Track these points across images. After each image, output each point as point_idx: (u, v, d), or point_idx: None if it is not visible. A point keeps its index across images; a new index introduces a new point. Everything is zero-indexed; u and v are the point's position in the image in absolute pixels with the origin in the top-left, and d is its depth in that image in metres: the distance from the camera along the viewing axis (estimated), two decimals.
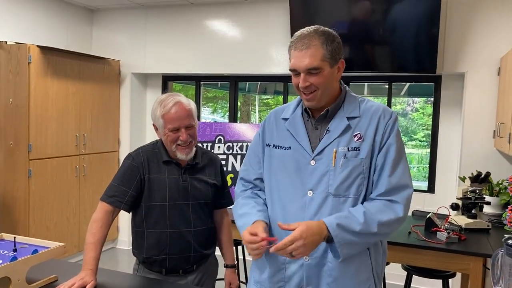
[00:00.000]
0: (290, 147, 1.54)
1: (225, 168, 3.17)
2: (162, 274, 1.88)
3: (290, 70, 1.49)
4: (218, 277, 2.11)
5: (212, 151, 3.26)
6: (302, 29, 1.50)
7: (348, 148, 1.47)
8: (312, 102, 1.49)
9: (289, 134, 1.56)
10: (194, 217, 1.88)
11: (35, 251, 1.65)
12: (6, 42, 3.90)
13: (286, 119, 1.59)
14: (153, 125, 1.90)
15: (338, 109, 1.53)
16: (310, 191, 1.48)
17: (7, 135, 3.92)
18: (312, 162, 1.49)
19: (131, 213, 1.92)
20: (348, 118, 1.50)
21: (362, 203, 1.48)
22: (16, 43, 3.91)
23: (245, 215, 1.55)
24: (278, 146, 1.57)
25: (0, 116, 3.94)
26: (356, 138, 1.48)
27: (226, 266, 2.05)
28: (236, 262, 2.10)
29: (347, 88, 1.59)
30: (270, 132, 1.63)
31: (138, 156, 1.88)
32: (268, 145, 1.61)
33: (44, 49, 3.96)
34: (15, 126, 3.89)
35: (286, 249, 1.34)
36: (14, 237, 1.77)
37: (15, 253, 1.67)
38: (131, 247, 1.98)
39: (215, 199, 1.98)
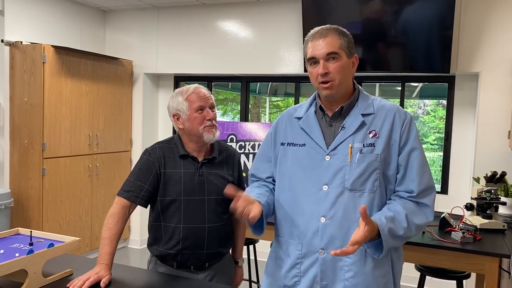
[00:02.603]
0: (304, 144, 1.57)
1: None
2: (173, 268, 1.87)
3: (309, 59, 1.52)
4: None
5: None
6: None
7: (363, 144, 1.49)
8: (331, 91, 1.50)
9: (303, 132, 1.59)
10: (210, 213, 1.86)
11: (51, 245, 1.66)
12: (21, 42, 3.96)
13: (299, 118, 1.62)
14: (174, 115, 1.88)
15: (352, 106, 1.56)
16: (325, 186, 1.50)
17: (21, 134, 3.97)
18: (327, 158, 1.51)
19: (149, 208, 1.93)
20: (363, 115, 1.53)
21: (380, 198, 1.49)
22: (31, 43, 3.96)
23: None
24: (293, 143, 1.60)
25: (15, 115, 3.99)
26: (371, 135, 1.50)
27: (235, 262, 2.08)
28: (242, 258, 2.12)
29: (360, 87, 1.62)
30: (283, 132, 1.65)
31: (155, 151, 1.88)
32: (282, 144, 1.64)
33: (58, 49, 4.01)
34: (30, 125, 3.94)
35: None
36: (30, 231, 1.79)
37: (31, 246, 1.69)
38: (142, 247, 1.98)
39: None
